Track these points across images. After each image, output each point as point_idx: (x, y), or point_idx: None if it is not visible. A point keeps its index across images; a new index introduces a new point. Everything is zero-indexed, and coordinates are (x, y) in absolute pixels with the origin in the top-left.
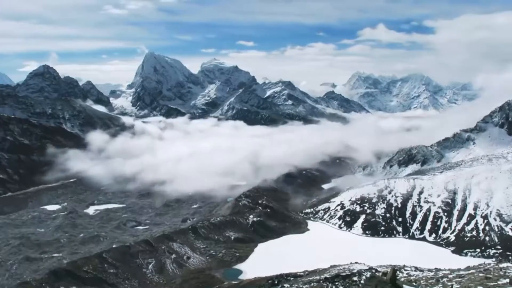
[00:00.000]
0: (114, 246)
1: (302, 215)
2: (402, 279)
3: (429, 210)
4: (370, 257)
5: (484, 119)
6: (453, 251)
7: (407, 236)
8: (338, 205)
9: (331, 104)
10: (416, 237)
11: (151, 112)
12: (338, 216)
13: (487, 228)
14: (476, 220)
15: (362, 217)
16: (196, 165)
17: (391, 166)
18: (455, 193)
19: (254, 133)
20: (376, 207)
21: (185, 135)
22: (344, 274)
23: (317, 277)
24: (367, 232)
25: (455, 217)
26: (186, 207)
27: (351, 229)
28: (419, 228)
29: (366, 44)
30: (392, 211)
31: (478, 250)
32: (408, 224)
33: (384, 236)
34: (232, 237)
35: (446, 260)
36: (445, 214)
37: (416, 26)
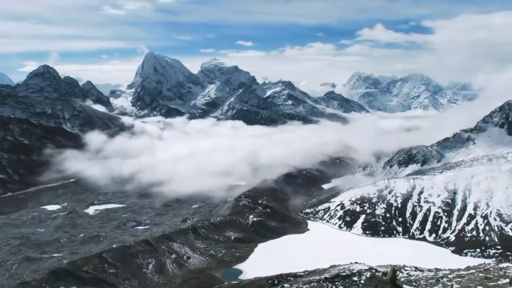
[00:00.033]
0: (114, 246)
1: (302, 215)
2: (402, 279)
3: (429, 210)
4: (370, 257)
5: (484, 119)
6: (453, 251)
7: (407, 236)
8: (338, 205)
9: (331, 104)
10: (416, 237)
11: (151, 112)
12: (338, 216)
13: (487, 228)
14: (476, 220)
15: (362, 217)
16: (194, 166)
17: (391, 166)
18: (455, 193)
19: (253, 133)
20: (376, 207)
21: (184, 135)
22: (344, 274)
23: (317, 277)
24: (367, 232)
25: (455, 217)
26: (186, 207)
27: (351, 229)
28: (419, 228)
29: (365, 44)
30: (392, 211)
31: (478, 250)
32: (408, 224)
33: (384, 236)
34: (232, 237)
35: (446, 260)
36: (445, 214)
37: (414, 26)
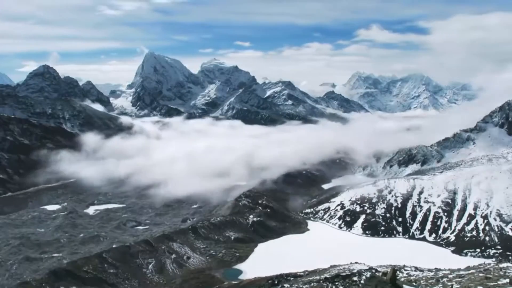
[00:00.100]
0: (114, 246)
1: (302, 215)
2: (402, 279)
3: (429, 210)
4: (370, 257)
5: (484, 119)
6: (453, 251)
7: (407, 236)
8: (338, 205)
9: (331, 104)
10: (416, 237)
11: (151, 112)
12: (338, 216)
13: (487, 228)
14: (476, 220)
15: (362, 217)
16: (191, 166)
17: (391, 166)
18: (455, 193)
19: (251, 132)
20: (376, 207)
21: (181, 135)
22: (344, 274)
23: (317, 277)
24: (367, 232)
25: (455, 217)
26: (186, 207)
27: (351, 229)
28: (419, 228)
29: (362, 44)
30: (392, 211)
31: (478, 250)
32: (408, 224)
33: (384, 236)
34: (232, 237)
35: (446, 260)
36: (445, 214)
37: (410, 26)
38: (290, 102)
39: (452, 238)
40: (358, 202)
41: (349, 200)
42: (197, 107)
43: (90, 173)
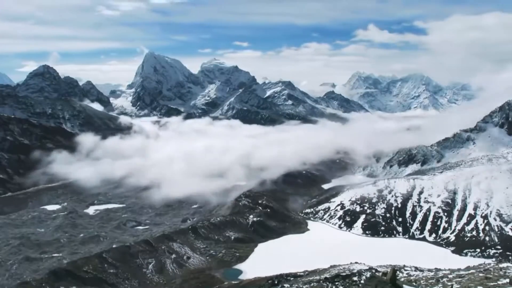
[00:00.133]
0: (114, 246)
1: (302, 215)
2: (402, 279)
3: (429, 210)
4: (370, 257)
5: (484, 119)
6: (453, 251)
7: (407, 236)
8: (338, 205)
9: (331, 104)
10: (416, 237)
11: (151, 112)
12: (338, 216)
13: (487, 228)
14: (476, 220)
15: (362, 217)
16: (190, 167)
17: (391, 166)
18: (455, 193)
19: (250, 132)
20: (376, 207)
21: (179, 135)
22: (344, 274)
23: (317, 277)
24: (367, 232)
25: (455, 217)
26: (186, 207)
27: (351, 229)
28: (419, 228)
29: (360, 44)
30: (392, 211)
31: (478, 250)
32: (408, 224)
33: (384, 236)
34: (232, 237)
35: (446, 260)
36: (445, 214)
37: (407, 27)
38: (290, 102)
39: (452, 238)
40: (358, 202)
41: (349, 200)
42: (197, 107)
43: (87, 174)
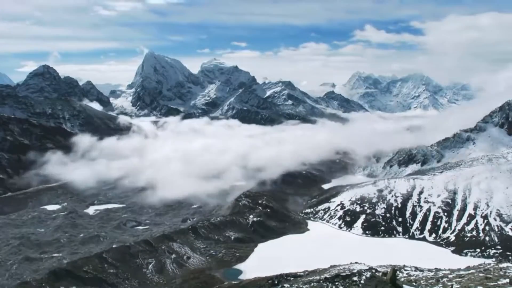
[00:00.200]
0: (114, 246)
1: (302, 215)
2: (402, 279)
3: (429, 210)
4: (370, 257)
5: (484, 119)
6: (453, 251)
7: (407, 236)
8: (338, 205)
9: (331, 104)
10: (416, 237)
11: (151, 112)
12: (338, 216)
13: (487, 228)
14: (476, 220)
15: (362, 217)
16: (187, 167)
17: (391, 166)
18: (455, 193)
19: (248, 132)
20: (376, 207)
21: (178, 135)
22: (344, 274)
23: (317, 277)
24: (367, 232)
25: (455, 217)
26: (186, 207)
27: (351, 229)
28: (419, 228)
29: (358, 44)
30: (392, 211)
31: (478, 250)
32: (408, 224)
33: (384, 236)
34: (232, 237)
35: (446, 260)
36: (445, 214)
37: (404, 27)
38: (290, 102)
39: (452, 238)
40: (358, 202)
41: (349, 200)
42: (197, 107)
43: (82, 175)
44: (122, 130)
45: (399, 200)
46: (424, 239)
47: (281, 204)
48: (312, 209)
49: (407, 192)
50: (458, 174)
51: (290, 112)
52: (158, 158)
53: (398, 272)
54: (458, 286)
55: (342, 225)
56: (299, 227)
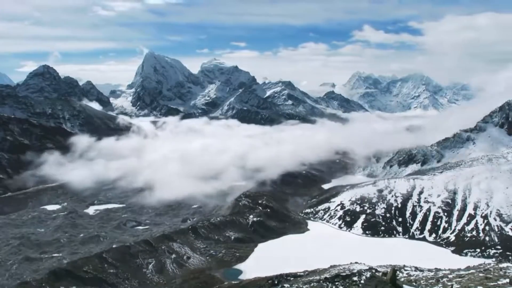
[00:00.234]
0: (114, 246)
1: (302, 215)
2: (402, 279)
3: (429, 210)
4: (370, 257)
5: (484, 119)
6: (453, 251)
7: (407, 236)
8: (338, 205)
9: (331, 104)
10: (416, 237)
11: (151, 112)
12: (338, 216)
13: (487, 228)
14: (476, 220)
15: (362, 217)
16: (186, 168)
17: (391, 166)
18: (455, 193)
19: (247, 132)
20: (376, 207)
21: (177, 135)
22: (344, 274)
23: (317, 277)
24: (367, 232)
25: (455, 217)
26: (186, 207)
27: (351, 229)
28: (419, 228)
29: (357, 44)
30: (392, 211)
31: (478, 250)
32: (408, 224)
33: (384, 236)
34: (232, 237)
35: (446, 260)
36: (445, 214)
37: (402, 27)
38: (290, 102)
39: (452, 238)
40: (358, 202)
41: (349, 200)
42: (197, 107)
43: (80, 175)
44: (122, 130)
45: (399, 200)
46: (424, 239)
47: (281, 204)
48: (312, 209)
49: (407, 192)
50: (458, 174)
51: (290, 112)
52: (157, 158)
53: (398, 272)
54: (458, 286)
55: (342, 225)
56: (299, 227)
